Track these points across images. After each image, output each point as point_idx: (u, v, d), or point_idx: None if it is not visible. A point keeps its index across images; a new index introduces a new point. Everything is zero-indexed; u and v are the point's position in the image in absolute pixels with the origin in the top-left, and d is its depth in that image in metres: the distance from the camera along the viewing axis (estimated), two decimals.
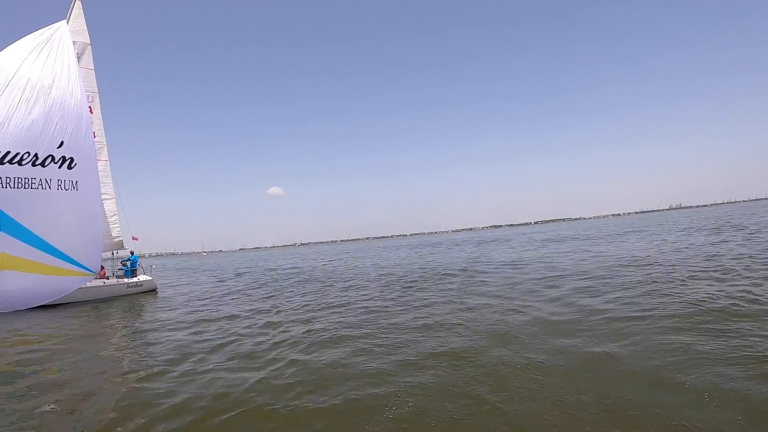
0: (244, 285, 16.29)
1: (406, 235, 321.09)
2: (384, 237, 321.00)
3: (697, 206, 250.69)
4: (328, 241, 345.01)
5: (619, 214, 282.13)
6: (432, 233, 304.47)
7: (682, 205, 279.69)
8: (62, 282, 12.47)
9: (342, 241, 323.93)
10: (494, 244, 33.77)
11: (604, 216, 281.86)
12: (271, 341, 6.58)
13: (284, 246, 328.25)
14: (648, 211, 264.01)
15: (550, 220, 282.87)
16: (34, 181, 11.61)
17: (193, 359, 5.82)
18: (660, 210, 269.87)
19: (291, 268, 23.66)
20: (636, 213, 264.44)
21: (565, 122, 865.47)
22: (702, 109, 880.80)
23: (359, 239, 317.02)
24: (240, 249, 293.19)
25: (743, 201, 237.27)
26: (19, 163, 11.42)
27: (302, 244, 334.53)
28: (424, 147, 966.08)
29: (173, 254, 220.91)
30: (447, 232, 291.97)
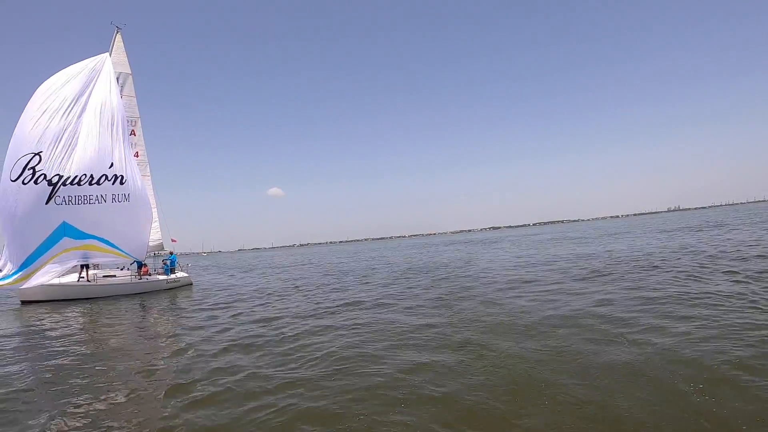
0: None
1: (405, 237, 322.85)
2: (383, 238, 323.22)
3: (696, 208, 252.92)
4: (327, 242, 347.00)
5: (617, 216, 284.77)
6: (430, 234, 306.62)
7: (680, 207, 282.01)
8: (109, 256, 15.35)
9: (341, 242, 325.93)
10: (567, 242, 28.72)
11: (602, 218, 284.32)
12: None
13: (283, 247, 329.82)
14: (646, 213, 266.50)
15: (549, 222, 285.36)
16: (91, 197, 13.40)
17: None
18: (658, 212, 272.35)
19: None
20: (634, 215, 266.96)
21: (565, 123, 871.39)
22: (701, 110, 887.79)
23: (358, 240, 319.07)
24: (239, 250, 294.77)
25: (742, 203, 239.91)
26: (79, 183, 13.18)
27: (301, 245, 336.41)
28: (424, 148, 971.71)
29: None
30: (445, 233, 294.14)
